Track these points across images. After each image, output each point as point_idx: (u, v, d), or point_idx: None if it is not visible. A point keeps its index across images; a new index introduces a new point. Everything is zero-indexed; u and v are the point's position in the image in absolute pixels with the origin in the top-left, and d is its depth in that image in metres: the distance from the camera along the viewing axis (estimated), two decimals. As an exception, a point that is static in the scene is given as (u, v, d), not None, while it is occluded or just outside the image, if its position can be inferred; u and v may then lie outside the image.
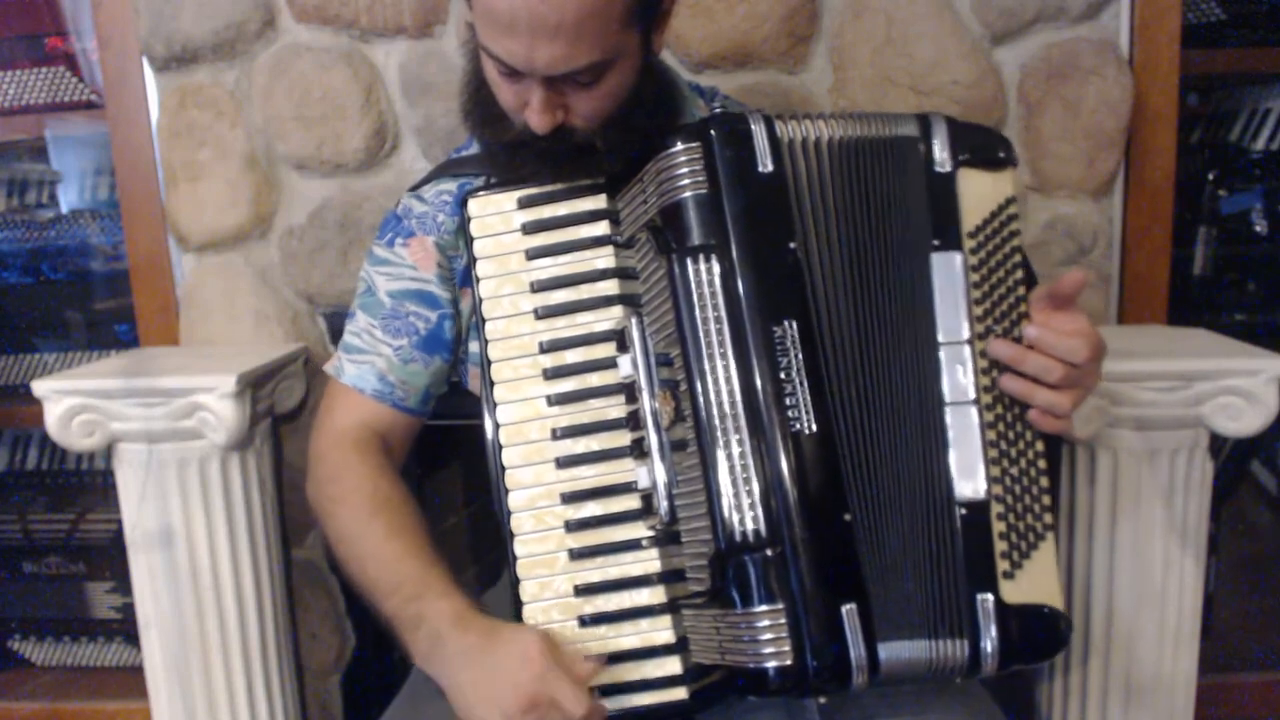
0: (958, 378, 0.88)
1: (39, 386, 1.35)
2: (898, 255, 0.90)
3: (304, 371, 1.55)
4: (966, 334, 0.88)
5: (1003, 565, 0.86)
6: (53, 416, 1.36)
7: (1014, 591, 0.86)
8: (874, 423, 0.87)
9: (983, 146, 0.92)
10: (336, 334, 1.59)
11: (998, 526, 0.87)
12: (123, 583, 1.85)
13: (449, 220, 1.07)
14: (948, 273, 0.89)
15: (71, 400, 1.35)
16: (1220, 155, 1.87)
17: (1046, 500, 0.88)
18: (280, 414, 1.54)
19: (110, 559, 1.86)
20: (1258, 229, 1.87)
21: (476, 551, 1.71)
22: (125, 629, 1.88)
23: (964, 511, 0.86)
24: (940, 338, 0.88)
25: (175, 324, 1.61)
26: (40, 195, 1.93)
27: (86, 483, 1.92)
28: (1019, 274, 0.91)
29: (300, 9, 1.50)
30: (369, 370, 1.08)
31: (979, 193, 0.91)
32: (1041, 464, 0.89)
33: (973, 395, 0.88)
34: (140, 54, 1.54)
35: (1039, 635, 0.87)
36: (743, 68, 1.50)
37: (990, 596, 0.85)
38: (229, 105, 1.54)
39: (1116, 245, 1.55)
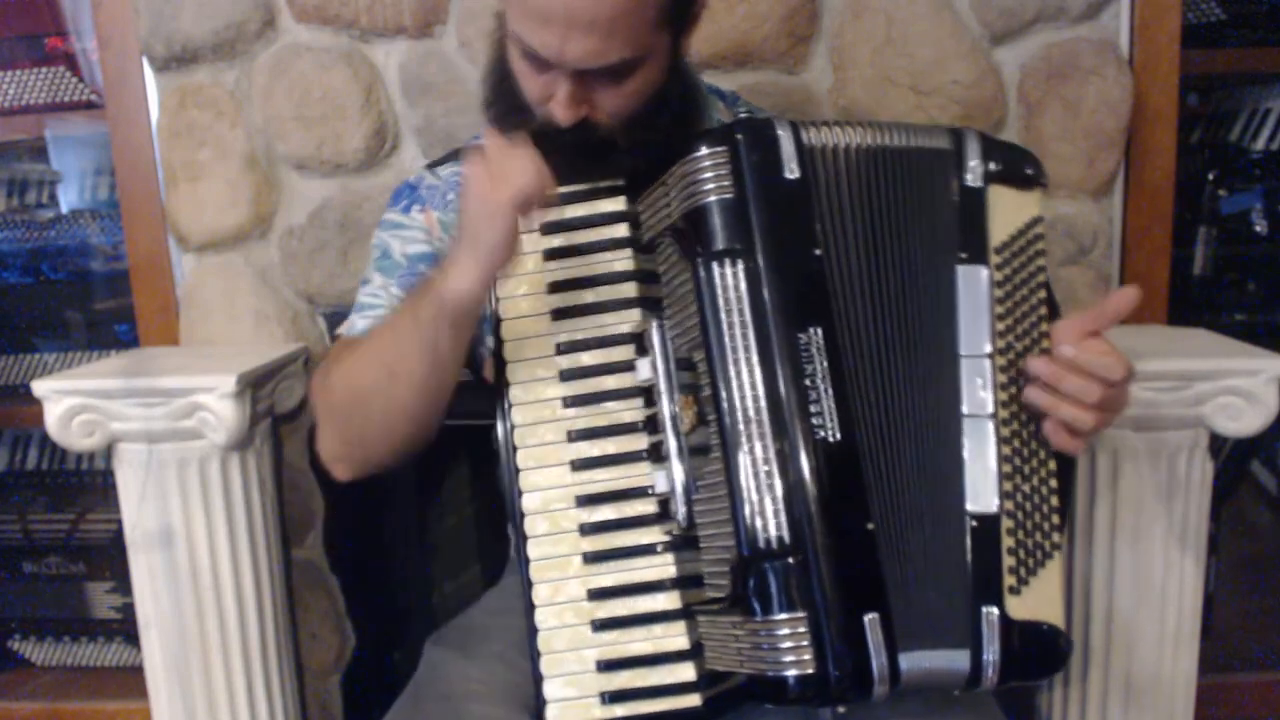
0: (977, 391, 0.88)
1: (39, 386, 1.35)
2: (922, 266, 0.89)
3: (304, 371, 1.55)
4: (989, 348, 0.88)
5: (1009, 580, 0.86)
6: (53, 416, 1.36)
7: (1019, 607, 0.86)
8: (896, 432, 0.87)
9: (1014, 164, 0.92)
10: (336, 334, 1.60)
11: (1006, 541, 0.86)
12: (123, 583, 1.85)
13: (458, 200, 1.06)
14: (973, 286, 0.89)
15: (71, 400, 1.35)
16: (1220, 155, 1.87)
17: (1056, 520, 0.88)
18: (280, 414, 1.54)
19: (110, 559, 1.86)
20: (1258, 229, 1.87)
21: (479, 551, 1.71)
22: (125, 629, 1.88)
23: (974, 524, 0.86)
24: (962, 350, 0.88)
25: (175, 324, 1.61)
26: (40, 195, 1.93)
27: (86, 483, 1.92)
28: (1042, 293, 0.90)
29: (300, 9, 1.50)
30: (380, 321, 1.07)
31: (1007, 209, 0.91)
32: (1053, 483, 0.89)
33: (990, 410, 0.87)
34: (140, 54, 1.54)
35: (1039, 651, 0.86)
36: (743, 67, 1.50)
37: (995, 610, 0.85)
38: (229, 105, 1.54)
39: (1116, 245, 1.55)
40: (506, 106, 0.98)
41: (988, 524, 0.86)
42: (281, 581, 1.54)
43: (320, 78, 1.50)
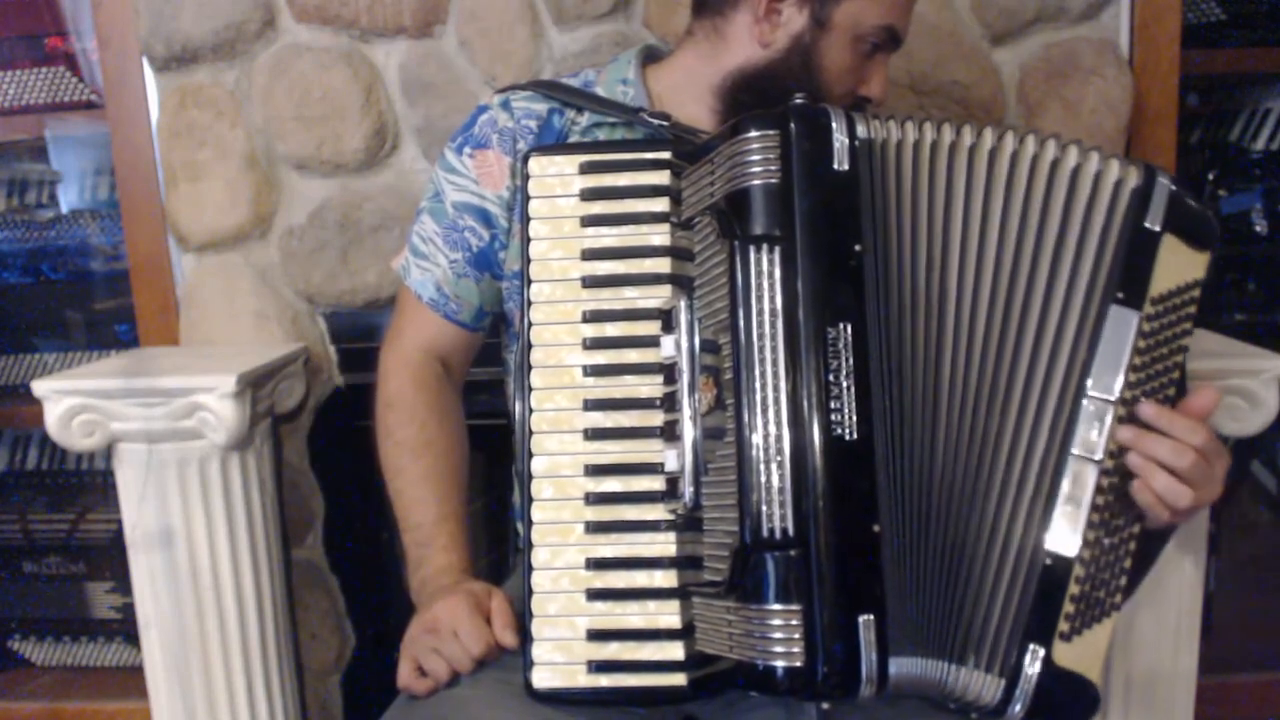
0: (1091, 434, 0.86)
1: (39, 386, 1.35)
2: (1059, 292, 0.87)
3: (304, 371, 1.56)
4: (1118, 394, 0.86)
5: (1063, 626, 0.85)
6: (53, 416, 1.36)
7: (1064, 654, 0.85)
8: (930, 439, 0.86)
9: (1196, 219, 0.89)
10: (336, 334, 1.60)
11: (1072, 588, 0.86)
12: (123, 583, 1.85)
13: (527, 148, 1.07)
14: (1121, 329, 0.86)
15: (71, 400, 1.35)
16: (1220, 155, 1.87)
17: (1123, 582, 0.87)
18: (280, 414, 1.54)
19: (110, 559, 1.86)
20: (1258, 229, 1.87)
21: (481, 551, 1.71)
22: (125, 629, 1.88)
23: (1049, 561, 0.85)
24: (1089, 389, 0.86)
25: (175, 324, 1.61)
26: (40, 195, 1.93)
27: (86, 483, 1.92)
28: (1179, 358, 0.88)
29: (300, 9, 1.50)
30: (429, 279, 1.13)
31: (1174, 263, 0.88)
32: (1132, 546, 0.88)
33: (1100, 455, 0.86)
34: (140, 54, 1.54)
35: (1068, 703, 0.86)
36: (743, 68, 1.49)
37: (1043, 650, 0.85)
38: (229, 105, 1.54)
39: (1116, 245, 1.55)
40: (761, 102, 0.99)
41: (1061, 566, 0.85)
42: (281, 581, 1.54)
43: (320, 78, 1.50)
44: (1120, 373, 0.86)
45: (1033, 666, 0.85)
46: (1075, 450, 0.86)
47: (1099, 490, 0.86)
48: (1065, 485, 0.86)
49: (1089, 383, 0.86)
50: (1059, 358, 0.87)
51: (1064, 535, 0.86)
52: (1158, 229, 0.88)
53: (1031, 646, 0.85)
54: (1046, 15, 1.47)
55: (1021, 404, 0.87)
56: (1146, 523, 0.88)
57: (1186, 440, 0.85)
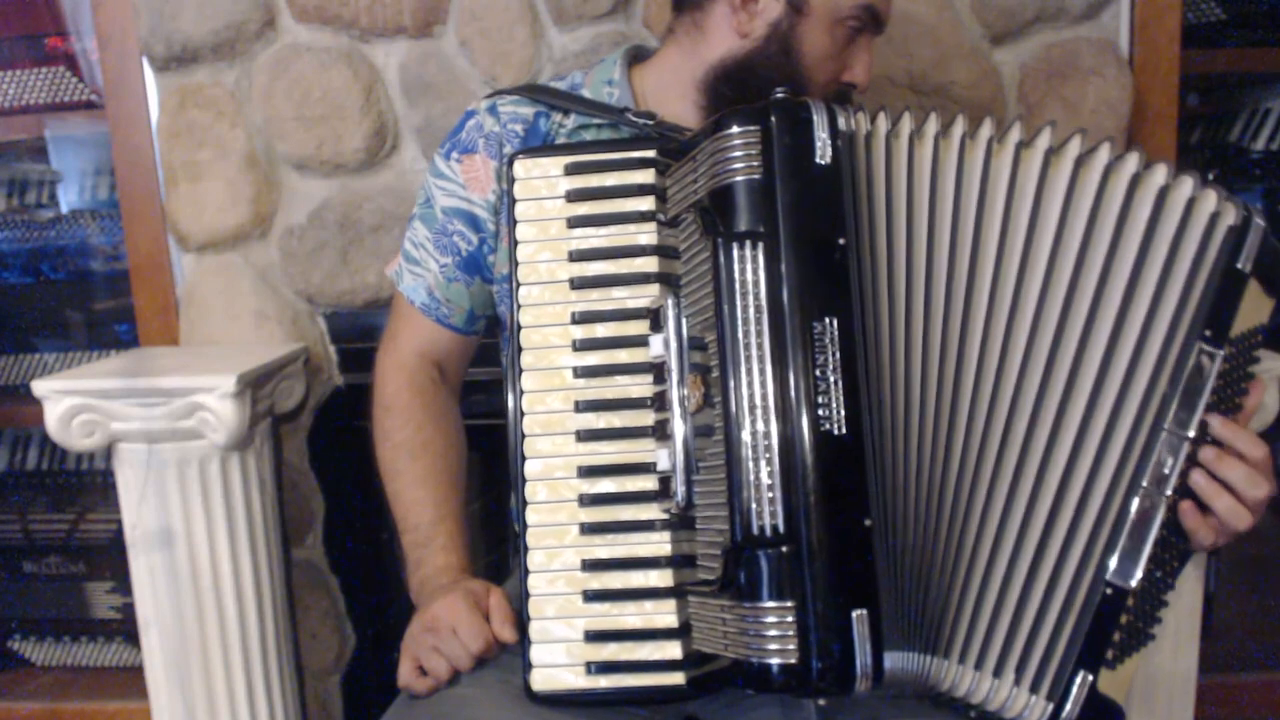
0: (1164, 469, 0.86)
1: (39, 386, 1.35)
2: (1135, 319, 0.86)
3: (304, 371, 1.56)
4: (1194, 433, 0.86)
5: (1108, 654, 0.86)
6: (53, 416, 1.36)
7: (1106, 680, 0.86)
8: (944, 442, 0.86)
9: (1275, 263, 0.89)
10: (336, 334, 1.60)
11: (1122, 618, 0.86)
12: (123, 583, 1.85)
13: (513, 151, 1.07)
14: (1203, 366, 0.86)
15: (71, 400, 1.35)
16: (1220, 155, 1.87)
17: (1161, 614, 0.88)
18: (280, 414, 1.54)
19: (110, 559, 1.87)
20: (1258, 229, 1.87)
21: (480, 551, 1.71)
22: (125, 629, 1.88)
23: (1108, 591, 0.86)
24: (1167, 424, 0.86)
25: (175, 324, 1.61)
26: (40, 195, 1.93)
27: (86, 483, 1.92)
28: (1239, 400, 0.89)
29: (300, 9, 1.50)
30: (421, 284, 1.13)
31: (1249, 306, 0.88)
32: (1172, 580, 0.89)
33: (1170, 491, 0.86)
34: (140, 54, 1.54)
35: None
36: (743, 68, 1.50)
37: (1091, 678, 0.86)
38: (229, 105, 1.54)
39: (1116, 245, 1.55)
40: (738, 99, 0.99)
41: (1119, 596, 0.86)
42: (281, 581, 1.54)
43: (320, 78, 1.50)
44: (1198, 411, 0.86)
45: (1081, 691, 0.85)
46: (1145, 483, 0.86)
47: (1163, 524, 0.86)
48: (1132, 516, 0.86)
49: (1167, 418, 0.86)
50: (1133, 387, 0.86)
51: (1126, 567, 0.86)
52: (1247, 271, 0.87)
53: (1081, 673, 0.86)
54: (1046, 15, 1.47)
55: (1082, 429, 0.86)
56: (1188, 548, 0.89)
57: (1253, 453, 0.86)
